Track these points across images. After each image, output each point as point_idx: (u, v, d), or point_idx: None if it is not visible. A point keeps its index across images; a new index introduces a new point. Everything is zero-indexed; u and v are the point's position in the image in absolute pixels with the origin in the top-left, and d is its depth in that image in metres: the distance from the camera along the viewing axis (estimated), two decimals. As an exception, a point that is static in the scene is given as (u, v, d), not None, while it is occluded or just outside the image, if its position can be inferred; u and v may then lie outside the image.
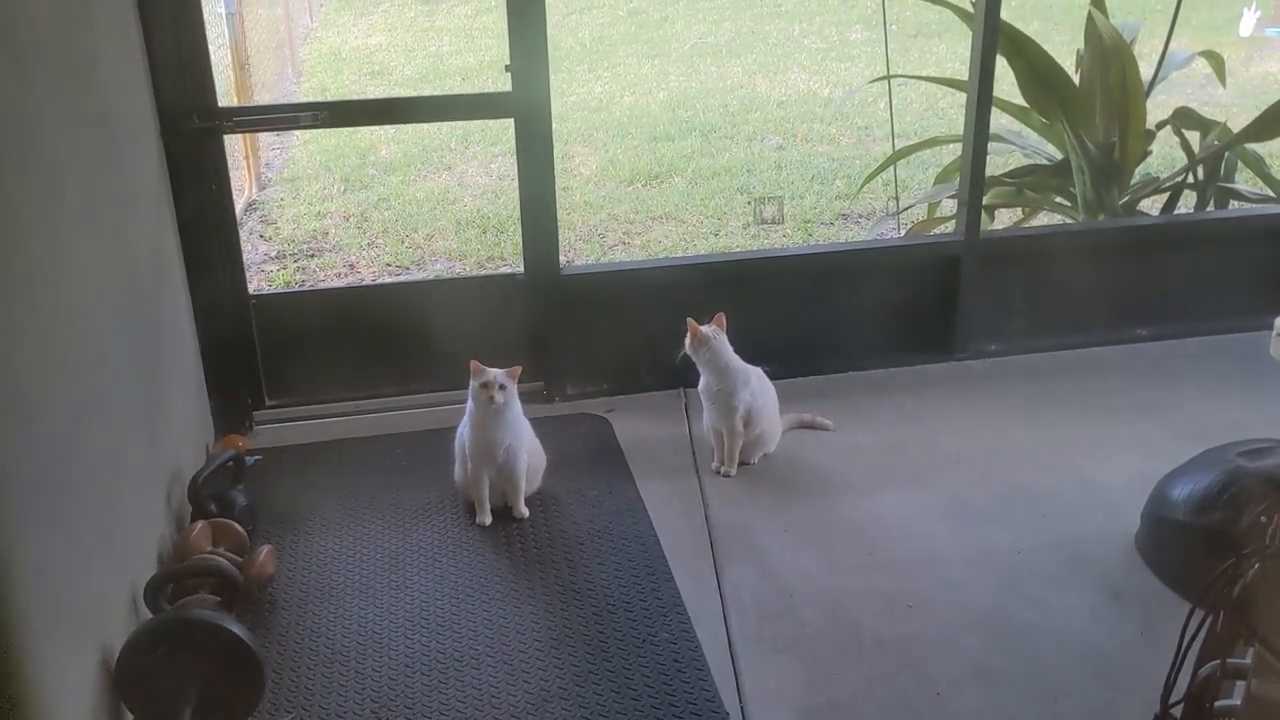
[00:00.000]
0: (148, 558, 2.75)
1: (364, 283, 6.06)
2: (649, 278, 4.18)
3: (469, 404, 3.21)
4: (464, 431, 3.26)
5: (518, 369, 3.15)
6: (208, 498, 3.07)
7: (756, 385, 3.48)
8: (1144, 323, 4.42)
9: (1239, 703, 1.77)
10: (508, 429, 3.17)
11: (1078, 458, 3.55)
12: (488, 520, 3.22)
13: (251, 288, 3.86)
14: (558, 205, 3.85)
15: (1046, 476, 3.45)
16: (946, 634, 2.74)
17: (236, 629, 2.39)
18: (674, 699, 2.51)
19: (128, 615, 2.51)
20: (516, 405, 3.20)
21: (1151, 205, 5.44)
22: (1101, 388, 4.05)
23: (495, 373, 3.11)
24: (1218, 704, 1.78)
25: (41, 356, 2.15)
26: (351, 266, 6.41)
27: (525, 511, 3.26)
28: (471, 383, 3.14)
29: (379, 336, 3.90)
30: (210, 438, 3.64)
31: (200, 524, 2.93)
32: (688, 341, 3.40)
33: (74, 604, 2.20)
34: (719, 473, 3.51)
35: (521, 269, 3.93)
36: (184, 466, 3.17)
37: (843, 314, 4.16)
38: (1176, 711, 1.89)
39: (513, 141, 3.75)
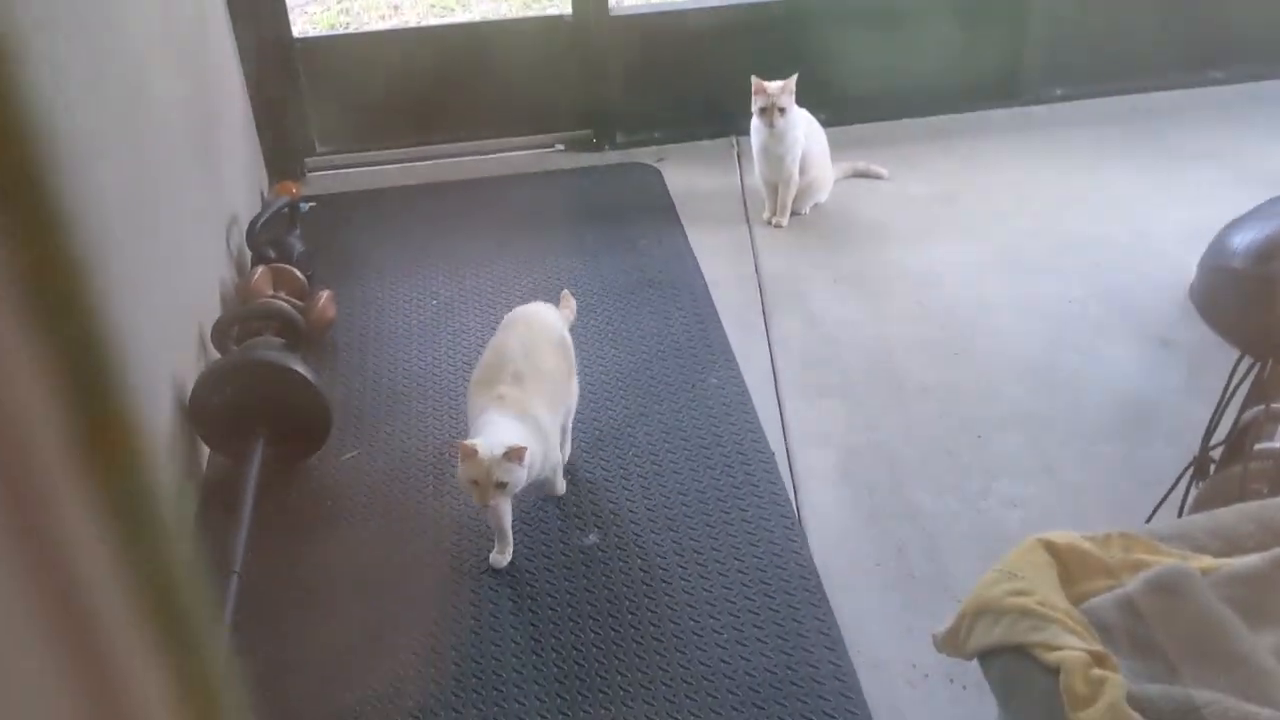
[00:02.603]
0: (211, 300, 2.83)
1: (409, 25, 5.89)
2: (702, 19, 4.01)
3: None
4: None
5: (521, 450, 2.08)
6: (266, 243, 3.12)
7: (808, 128, 3.40)
8: (1220, 65, 4.20)
9: (1279, 446, 1.81)
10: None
11: (1137, 206, 3.48)
12: (504, 561, 2.28)
13: (295, 30, 3.78)
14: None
15: (1103, 226, 3.39)
16: (991, 381, 2.78)
17: (302, 368, 2.49)
18: (721, 439, 2.61)
19: (197, 355, 2.61)
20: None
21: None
22: (1169, 133, 3.91)
23: (489, 456, 2.07)
24: (1258, 447, 1.81)
25: (93, 99, 2.15)
26: (395, 8, 6.21)
27: (563, 488, 2.45)
28: (460, 468, 2.13)
29: (426, 81, 3.83)
30: (264, 184, 3.66)
31: (261, 269, 2.99)
32: (757, 109, 3.29)
33: (148, 342, 2.29)
34: (770, 223, 3.49)
35: (569, 9, 3.79)
36: (240, 212, 3.21)
37: (903, 57, 4.00)
38: (1216, 454, 1.93)
39: None
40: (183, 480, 2.40)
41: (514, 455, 2.07)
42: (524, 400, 2.22)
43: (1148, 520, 2.00)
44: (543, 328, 2.43)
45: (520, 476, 2.10)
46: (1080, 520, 2.33)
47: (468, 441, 2.09)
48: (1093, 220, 3.43)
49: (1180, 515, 1.94)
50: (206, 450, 2.58)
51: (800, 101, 3.33)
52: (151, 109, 2.56)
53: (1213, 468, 1.93)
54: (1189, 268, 3.04)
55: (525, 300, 3.10)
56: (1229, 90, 4.17)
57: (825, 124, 3.52)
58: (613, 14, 3.79)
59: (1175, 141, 3.85)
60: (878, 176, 3.71)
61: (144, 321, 2.27)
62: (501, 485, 2.08)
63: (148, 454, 0.35)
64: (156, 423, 2.27)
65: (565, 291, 2.68)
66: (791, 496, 2.44)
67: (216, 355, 2.64)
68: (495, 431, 2.13)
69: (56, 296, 0.32)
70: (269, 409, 2.50)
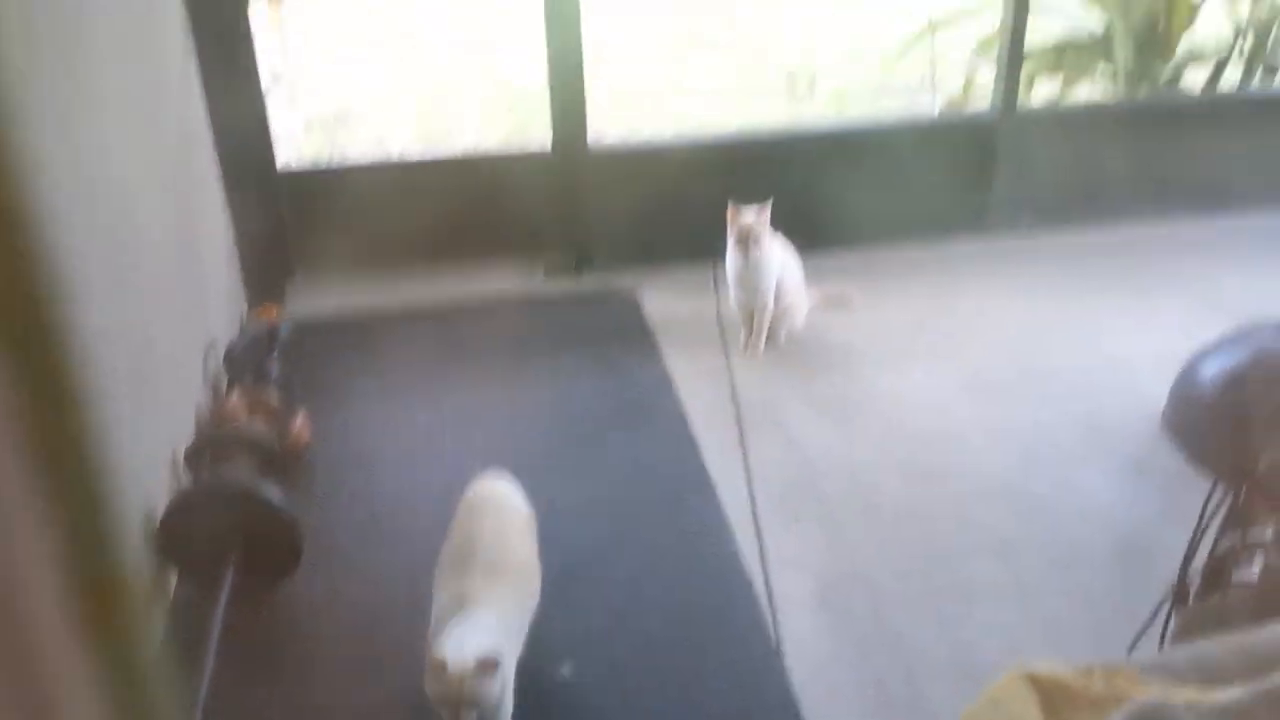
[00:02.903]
0: (186, 424, 2.81)
1: (392, 157, 6.02)
2: (679, 153, 4.13)
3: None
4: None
5: (495, 661, 1.85)
6: (243, 367, 3.12)
7: (783, 256, 3.47)
8: (1182, 200, 4.33)
9: (1257, 575, 1.80)
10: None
11: (1107, 335, 3.54)
12: None
13: (281, 159, 3.85)
14: (587, 77, 3.78)
15: (1074, 353, 3.44)
16: (968, 507, 2.78)
17: (273, 494, 2.47)
18: (700, 564, 2.58)
19: (169, 479, 2.58)
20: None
21: (1195, 78, 5.28)
22: (1135, 265, 4.00)
23: (460, 670, 1.84)
24: (1236, 576, 1.81)
25: (77, 220, 2.17)
26: (379, 139, 6.36)
27: None
28: (428, 682, 1.90)
29: (407, 212, 3.89)
30: (244, 308, 3.68)
31: (237, 392, 2.98)
32: (733, 240, 3.36)
33: (119, 466, 2.26)
34: (746, 349, 3.52)
35: (550, 144, 3.89)
36: (219, 335, 3.22)
37: (875, 189, 4.10)
38: (1194, 584, 1.92)
39: (540, 9, 3.67)
40: (149, 608, 2.34)
41: (487, 666, 1.84)
42: (495, 595, 2.02)
43: (1129, 650, 1.98)
44: (511, 510, 2.25)
45: (495, 690, 1.87)
46: (1060, 649, 2.30)
47: (435, 653, 1.86)
48: (1064, 347, 3.48)
49: (1161, 645, 1.92)
50: (175, 574, 2.53)
51: (774, 230, 3.40)
52: (135, 233, 2.59)
53: (1192, 597, 1.92)
54: (1161, 395, 3.08)
55: (506, 426, 3.11)
56: (1191, 224, 4.28)
57: (799, 252, 3.59)
58: (591, 148, 3.89)
59: (1141, 272, 3.95)
60: (851, 304, 3.77)
61: (116, 445, 2.25)
62: (474, 702, 1.85)
63: (140, 614, 0.34)
64: (125, 549, 2.23)
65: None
66: (770, 623, 2.40)
67: (189, 479, 2.61)
68: (465, 636, 1.90)
69: (58, 449, 0.33)
70: (240, 534, 2.46)
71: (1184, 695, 1.47)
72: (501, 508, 2.24)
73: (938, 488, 2.86)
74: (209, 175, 3.45)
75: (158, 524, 2.39)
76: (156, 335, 2.68)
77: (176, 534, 2.41)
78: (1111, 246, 4.15)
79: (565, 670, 2.29)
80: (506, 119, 6.57)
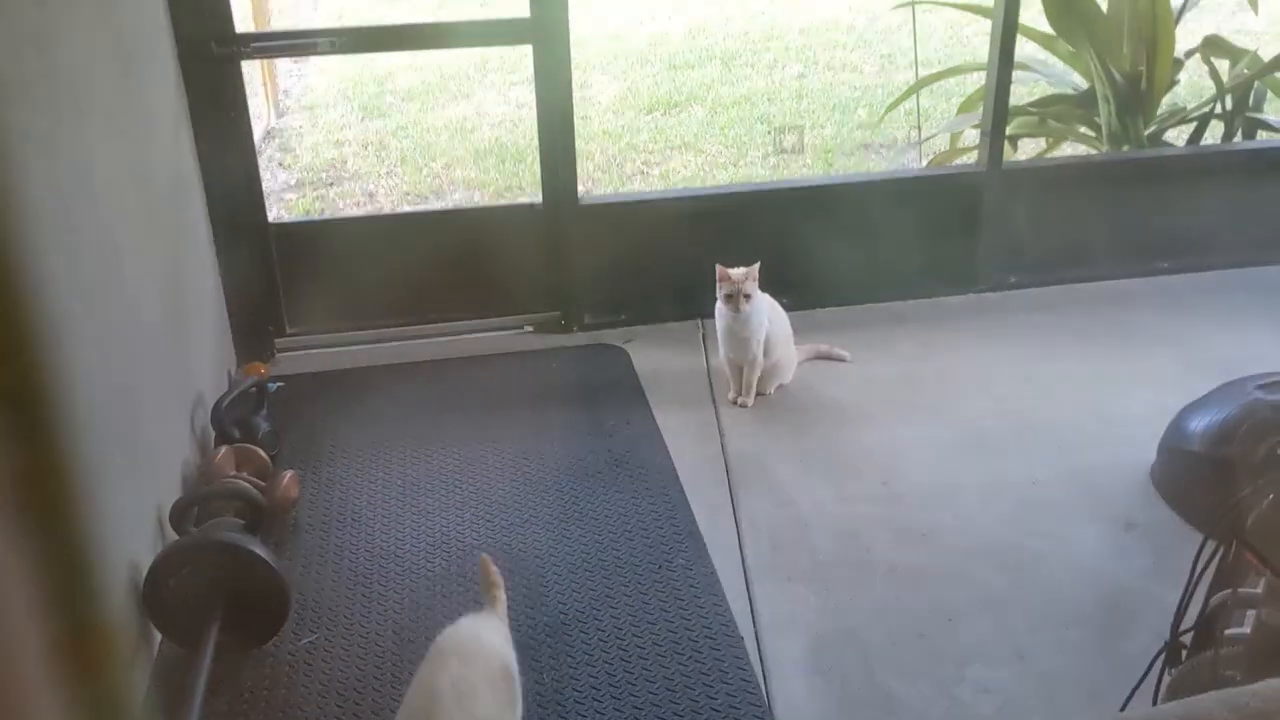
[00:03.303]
0: (172, 481, 2.79)
1: (383, 212, 6.06)
2: (668, 208, 4.16)
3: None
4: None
5: None
6: (231, 423, 3.10)
7: (771, 312, 3.48)
8: (1166, 255, 4.37)
9: (1249, 631, 1.80)
10: None
11: (1095, 390, 3.55)
12: None
13: (271, 216, 3.86)
14: (576, 134, 3.82)
15: (1063, 409, 3.45)
16: (959, 563, 2.77)
17: (261, 551, 2.44)
18: (689, 624, 2.56)
19: (154, 536, 2.56)
20: None
21: (1178, 136, 5.36)
22: (1121, 320, 4.03)
23: None
24: (1228, 632, 1.80)
25: (66, 275, 2.17)
26: (370, 195, 6.39)
27: None
28: None
29: (398, 266, 3.91)
30: (232, 364, 3.68)
31: (224, 449, 2.97)
32: (722, 295, 3.37)
33: (103, 523, 2.24)
34: (735, 403, 3.52)
35: (540, 198, 3.92)
36: (207, 392, 3.21)
37: (862, 245, 4.14)
38: (1186, 640, 1.91)
39: (530, 69, 3.72)
40: (132, 665, 2.31)
41: None
42: None
43: (1122, 708, 1.96)
44: (479, 660, 1.95)
45: None
46: (1054, 708, 2.29)
47: None
48: (1052, 402, 3.49)
49: (1155, 702, 1.91)
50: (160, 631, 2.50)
51: (762, 287, 3.42)
52: (123, 289, 2.59)
53: (1184, 654, 1.91)
54: (1149, 450, 3.08)
55: (494, 482, 3.09)
56: (1176, 279, 4.32)
57: (787, 308, 3.60)
58: (582, 202, 3.92)
59: (1127, 328, 3.97)
60: (840, 359, 3.78)
61: (102, 500, 2.23)
62: None
63: (123, 671, 0.34)
64: (109, 608, 2.20)
65: (484, 558, 2.26)
66: (762, 685, 2.38)
67: (175, 537, 2.59)
68: None
69: (40, 502, 0.33)
70: (226, 592, 2.43)
71: (1178, 754, 1.46)
72: (466, 656, 1.95)
73: (930, 544, 2.85)
74: (200, 231, 3.46)
75: (143, 580, 2.37)
76: (144, 390, 2.67)
77: (162, 590, 2.38)
78: (1097, 302, 4.18)
79: (554, 730, 2.26)
80: (496, 174, 6.61)
